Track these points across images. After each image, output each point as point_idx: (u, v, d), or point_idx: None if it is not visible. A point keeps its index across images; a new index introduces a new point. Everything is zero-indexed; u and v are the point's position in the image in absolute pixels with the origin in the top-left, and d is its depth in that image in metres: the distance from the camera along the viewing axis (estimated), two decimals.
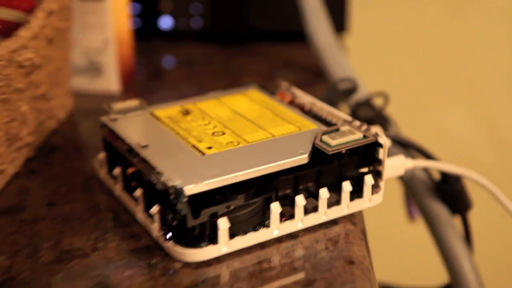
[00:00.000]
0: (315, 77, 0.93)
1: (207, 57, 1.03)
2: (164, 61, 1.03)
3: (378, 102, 0.81)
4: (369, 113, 0.78)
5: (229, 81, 0.92)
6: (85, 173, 0.67)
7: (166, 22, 1.06)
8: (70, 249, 0.53)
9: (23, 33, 0.64)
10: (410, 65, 1.29)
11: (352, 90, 0.80)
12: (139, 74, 0.96)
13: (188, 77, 0.95)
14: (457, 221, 0.77)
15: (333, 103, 0.76)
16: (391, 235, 1.35)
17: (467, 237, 0.76)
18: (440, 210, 0.75)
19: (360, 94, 0.83)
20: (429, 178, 0.75)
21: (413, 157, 0.72)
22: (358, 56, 1.19)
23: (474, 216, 0.80)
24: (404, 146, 0.72)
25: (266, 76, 0.94)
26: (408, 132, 1.19)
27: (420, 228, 0.90)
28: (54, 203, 0.61)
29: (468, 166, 1.25)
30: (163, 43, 1.08)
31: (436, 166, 0.69)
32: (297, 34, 0.99)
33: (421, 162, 0.68)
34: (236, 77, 0.94)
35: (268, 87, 0.76)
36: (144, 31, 1.06)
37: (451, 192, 0.73)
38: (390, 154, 0.69)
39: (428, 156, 0.71)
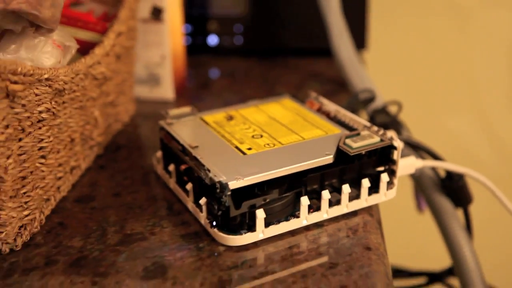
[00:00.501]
0: (339, 87, 0.94)
1: (247, 70, 1.03)
2: (211, 73, 1.03)
3: (392, 109, 0.81)
4: (385, 119, 0.78)
5: (265, 90, 0.94)
6: (145, 168, 0.69)
7: (212, 39, 1.08)
8: (132, 233, 0.56)
9: (98, 51, 0.66)
10: (420, 77, 1.29)
11: (371, 99, 0.81)
12: (190, 84, 0.98)
13: (231, 86, 0.96)
14: (459, 213, 0.77)
15: (354, 110, 0.78)
16: (403, 224, 1.34)
17: (468, 228, 0.77)
18: (444, 203, 0.75)
19: (377, 103, 0.83)
20: (435, 175, 0.75)
21: (422, 157, 0.73)
22: (375, 69, 1.21)
23: (474, 209, 0.80)
24: (415, 148, 0.73)
25: (297, 86, 0.95)
26: (418, 135, 1.19)
27: (428, 218, 0.88)
28: (119, 194, 0.63)
29: (470, 165, 1.24)
30: (210, 57, 1.09)
31: (442, 166, 0.70)
32: (324, 50, 1.01)
33: (429, 162, 0.69)
34: (272, 87, 0.95)
35: (299, 96, 0.77)
36: (195, 48, 1.08)
37: (454, 188, 0.74)
38: (403, 155, 0.70)
39: (435, 156, 0.71)
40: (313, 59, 1.06)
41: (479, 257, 0.76)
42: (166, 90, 0.89)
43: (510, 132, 1.31)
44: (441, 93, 1.30)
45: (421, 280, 0.85)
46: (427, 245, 1.33)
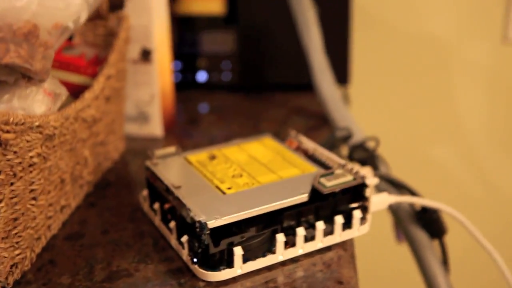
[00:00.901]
0: (322, 122, 0.94)
1: (234, 105, 1.04)
2: (200, 108, 1.03)
3: (371, 144, 0.81)
4: (363, 154, 0.79)
5: (251, 126, 0.94)
6: (132, 205, 0.69)
7: (202, 76, 1.08)
8: (118, 269, 0.56)
9: (87, 95, 0.67)
10: (403, 110, 1.30)
11: (347, 137, 0.81)
12: (179, 119, 0.98)
13: (218, 122, 0.96)
14: (436, 245, 0.77)
15: (333, 146, 0.79)
16: (382, 256, 1.35)
17: (444, 258, 0.77)
18: (420, 235, 0.76)
19: (356, 138, 0.83)
20: (411, 208, 0.75)
21: (399, 190, 0.74)
22: (359, 102, 1.23)
23: (452, 240, 0.81)
24: (391, 183, 0.73)
25: (281, 122, 0.95)
26: (402, 165, 1.20)
27: (406, 250, 0.87)
28: (107, 231, 0.63)
29: (452, 193, 1.22)
30: (200, 93, 1.09)
31: (414, 201, 0.70)
32: (307, 86, 1.00)
33: (401, 198, 0.69)
34: (257, 122, 0.95)
35: (281, 133, 0.81)
36: (184, 84, 1.08)
37: (429, 220, 0.74)
38: (381, 189, 0.73)
39: (411, 192, 0.71)
40: (298, 94, 1.06)
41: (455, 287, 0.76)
42: (155, 128, 0.89)
43: (490, 160, 1.30)
44: (424, 125, 1.30)
45: None
46: (404, 277, 1.33)
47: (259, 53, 1.07)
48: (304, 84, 1.02)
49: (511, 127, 1.28)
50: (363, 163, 0.78)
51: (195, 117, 0.99)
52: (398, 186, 0.72)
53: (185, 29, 1.07)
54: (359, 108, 1.23)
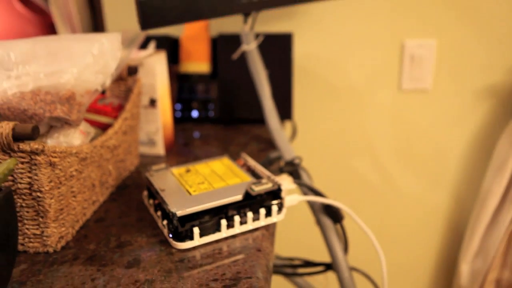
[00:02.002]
0: (269, 145, 0.93)
1: (215, 133, 1.02)
2: (193, 135, 1.01)
3: (297, 161, 0.82)
4: (291, 168, 0.80)
5: (224, 148, 0.93)
6: (138, 200, 0.71)
7: (194, 113, 1.08)
8: (124, 240, 0.60)
9: (110, 131, 0.69)
10: (331, 135, 1.24)
11: (279, 157, 0.82)
12: (178, 142, 0.96)
13: (203, 145, 0.95)
14: (338, 227, 0.80)
15: (270, 163, 0.80)
16: (305, 232, 1.32)
17: (344, 236, 0.78)
18: (326, 220, 0.78)
19: (288, 157, 0.84)
20: (321, 203, 0.77)
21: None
22: (299, 131, 1.24)
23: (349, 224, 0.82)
24: (306, 187, 0.73)
25: (243, 145, 0.94)
26: (332, 173, 1.26)
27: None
28: (121, 216, 0.66)
29: (365, 190, 1.32)
30: (193, 125, 1.08)
31: (315, 199, 0.71)
32: (262, 120, 1.02)
33: (307, 197, 0.70)
34: (228, 145, 0.94)
35: (242, 152, 0.80)
36: (183, 119, 1.08)
37: (331, 211, 0.77)
38: (303, 191, 0.76)
39: (316, 193, 0.73)
40: (257, 126, 1.05)
41: (348, 258, 0.80)
42: (160, 149, 0.88)
43: (392, 168, 1.25)
44: (346, 145, 1.25)
45: (321, 268, 0.85)
46: (317, 247, 1.32)
47: (231, 98, 1.05)
48: (261, 119, 1.02)
49: (406, 146, 1.23)
50: (291, 173, 0.79)
51: (188, 141, 0.97)
52: (309, 189, 0.73)
53: (184, 82, 1.06)
54: (300, 134, 1.24)
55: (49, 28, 1.39)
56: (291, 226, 1.33)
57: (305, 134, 1.25)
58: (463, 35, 1.13)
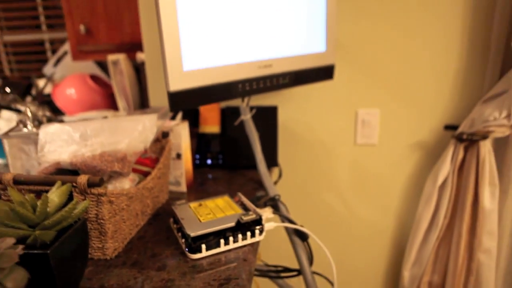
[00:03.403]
0: (260, 185, 0.93)
1: (222, 176, 1.01)
2: (207, 177, 1.00)
3: (277, 197, 0.82)
4: (273, 202, 0.81)
5: (228, 187, 0.92)
6: (167, 224, 0.73)
7: (209, 161, 1.07)
8: (156, 252, 0.63)
9: (149, 178, 0.73)
10: (307, 176, 1.23)
11: (264, 195, 0.84)
12: (196, 182, 0.96)
13: (214, 184, 0.94)
14: (305, 245, 0.80)
15: (259, 199, 0.82)
16: (283, 245, 1.31)
17: (310, 251, 0.80)
18: (296, 239, 0.80)
19: (271, 194, 0.87)
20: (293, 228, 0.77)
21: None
22: (284, 174, 1.23)
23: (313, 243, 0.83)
24: (282, 216, 0.75)
25: (242, 185, 0.93)
26: (306, 203, 1.24)
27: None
28: (155, 235, 0.69)
29: (330, 215, 1.25)
30: (207, 169, 1.06)
31: (287, 225, 0.74)
32: (256, 167, 1.03)
33: (280, 224, 0.73)
34: (231, 185, 0.93)
35: (240, 191, 0.83)
36: (201, 165, 1.07)
37: (299, 232, 0.79)
38: (281, 220, 0.74)
39: (289, 220, 0.75)
40: (252, 171, 1.04)
41: (312, 268, 0.79)
42: (183, 188, 0.89)
43: (352, 198, 1.23)
44: (317, 183, 1.23)
45: (295, 273, 0.84)
46: (291, 259, 1.29)
47: (234, 151, 1.04)
48: (255, 165, 1.02)
49: (361, 184, 1.21)
50: (272, 206, 0.81)
51: (204, 181, 0.96)
52: (284, 217, 0.76)
53: (202, 139, 1.06)
54: (284, 176, 1.25)
55: (110, 97, 1.50)
56: (278, 242, 1.33)
57: (288, 176, 1.25)
58: (398, 106, 1.14)
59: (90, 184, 0.56)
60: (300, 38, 0.86)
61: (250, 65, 0.77)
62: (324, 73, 0.93)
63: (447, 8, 1.05)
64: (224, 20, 0.72)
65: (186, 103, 0.70)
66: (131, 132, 0.64)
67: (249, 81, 0.78)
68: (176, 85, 0.68)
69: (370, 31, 1.09)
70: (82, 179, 0.56)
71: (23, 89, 1.59)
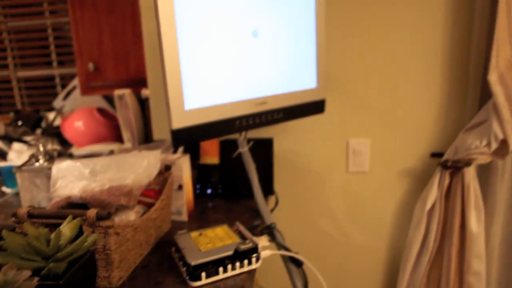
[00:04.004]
0: (257, 214, 0.94)
1: (221, 205, 1.02)
2: (208, 205, 1.02)
3: (273, 225, 0.83)
4: (269, 231, 0.83)
5: (226, 216, 0.93)
6: (169, 253, 0.74)
7: (209, 190, 1.08)
8: (159, 280, 0.65)
9: (152, 209, 0.75)
10: (303, 206, 1.23)
11: (260, 224, 0.86)
12: (197, 211, 0.97)
13: (214, 213, 0.95)
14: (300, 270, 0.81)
15: (256, 227, 0.83)
16: (280, 271, 1.30)
17: (305, 278, 0.80)
18: (291, 265, 0.81)
19: (267, 222, 0.87)
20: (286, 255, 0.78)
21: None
22: (280, 202, 1.25)
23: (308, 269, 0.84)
24: (278, 244, 0.77)
25: (240, 213, 0.95)
26: (304, 231, 1.24)
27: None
28: (158, 264, 0.70)
29: (325, 243, 1.24)
30: (207, 199, 1.07)
31: (282, 253, 0.75)
32: (253, 196, 1.01)
33: (276, 252, 0.74)
34: (230, 214, 0.94)
35: (238, 219, 0.84)
36: (201, 195, 1.08)
37: (293, 259, 0.80)
38: (277, 247, 0.76)
39: (284, 248, 0.77)
40: (250, 200, 1.05)
41: None
42: (184, 217, 0.91)
43: (345, 227, 1.23)
44: (313, 212, 1.24)
45: None
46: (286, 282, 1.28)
47: (232, 181, 1.06)
48: (252, 195, 1.02)
49: (354, 209, 1.21)
50: (268, 234, 0.81)
51: (204, 210, 0.97)
52: (280, 245, 0.77)
53: (202, 170, 1.07)
54: (280, 203, 1.25)
55: (116, 129, 1.54)
56: (275, 267, 1.32)
57: (284, 203, 1.26)
58: (387, 135, 1.17)
59: (99, 218, 0.59)
60: (292, 76, 0.91)
61: (247, 102, 0.82)
62: (315, 107, 0.97)
63: (429, 44, 1.11)
64: (223, 62, 0.76)
65: (187, 139, 0.73)
66: (137, 168, 0.68)
67: (246, 117, 0.81)
68: (179, 123, 0.71)
69: (358, 65, 1.14)
70: (92, 213, 0.59)
71: (34, 122, 1.64)
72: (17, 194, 1.14)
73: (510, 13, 0.91)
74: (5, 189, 1.15)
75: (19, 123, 1.54)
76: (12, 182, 1.15)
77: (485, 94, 1.07)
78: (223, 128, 0.78)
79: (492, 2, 0.99)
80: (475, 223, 1.07)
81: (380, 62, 1.13)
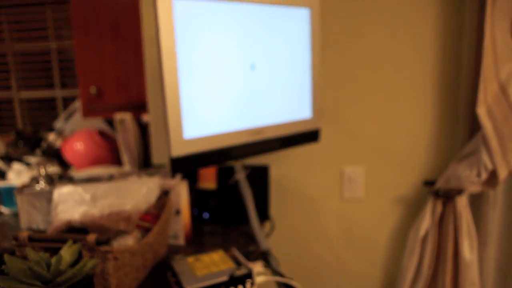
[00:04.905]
0: (253, 239, 0.94)
1: (218, 230, 1.02)
2: (204, 230, 1.02)
3: (268, 250, 0.85)
4: (264, 256, 0.84)
5: (222, 240, 0.93)
6: (166, 277, 0.74)
7: (206, 215, 1.09)
8: None
9: (150, 234, 0.75)
10: (298, 227, 1.24)
11: (255, 250, 0.87)
12: (194, 235, 0.97)
13: (211, 238, 0.95)
14: None
15: (251, 253, 0.85)
16: None
17: None
18: None
19: (263, 247, 0.89)
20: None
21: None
22: (276, 227, 1.25)
23: None
24: (272, 269, 0.78)
25: (236, 238, 0.94)
26: (299, 254, 1.24)
27: None
28: (156, 284, 0.71)
29: (322, 265, 1.23)
30: (204, 223, 1.07)
31: (276, 279, 0.76)
32: (248, 221, 1.00)
33: (269, 278, 0.75)
34: (226, 240, 0.92)
35: (234, 244, 0.84)
36: (198, 219, 1.08)
37: (288, 286, 0.78)
38: (272, 273, 0.77)
39: (279, 274, 0.78)
40: (246, 225, 1.04)
41: None
42: (181, 241, 0.91)
43: (341, 251, 1.24)
44: (308, 234, 1.24)
45: None
46: None
47: (229, 206, 1.06)
48: (247, 220, 1.01)
49: (348, 235, 1.22)
50: (263, 259, 0.83)
51: (201, 235, 0.97)
52: (274, 270, 0.78)
53: (200, 194, 1.07)
54: (276, 228, 1.26)
55: (115, 151, 1.57)
56: None
57: (280, 229, 1.26)
58: (381, 163, 1.20)
59: (98, 242, 0.61)
60: (288, 107, 0.94)
61: (244, 132, 0.85)
62: (310, 136, 1.01)
63: (420, 77, 1.15)
64: (221, 93, 0.79)
65: (186, 166, 0.77)
66: (136, 194, 0.70)
67: (243, 146, 0.85)
68: (178, 151, 0.75)
69: (352, 95, 1.18)
70: (91, 237, 0.61)
71: (33, 142, 1.66)
72: (15, 215, 1.15)
73: (496, 48, 0.96)
74: (3, 209, 1.15)
75: (20, 144, 1.56)
76: (10, 202, 1.15)
77: (474, 124, 1.11)
78: (220, 157, 0.81)
79: (478, 38, 1.04)
80: (468, 251, 1.09)
81: (374, 93, 1.17)
